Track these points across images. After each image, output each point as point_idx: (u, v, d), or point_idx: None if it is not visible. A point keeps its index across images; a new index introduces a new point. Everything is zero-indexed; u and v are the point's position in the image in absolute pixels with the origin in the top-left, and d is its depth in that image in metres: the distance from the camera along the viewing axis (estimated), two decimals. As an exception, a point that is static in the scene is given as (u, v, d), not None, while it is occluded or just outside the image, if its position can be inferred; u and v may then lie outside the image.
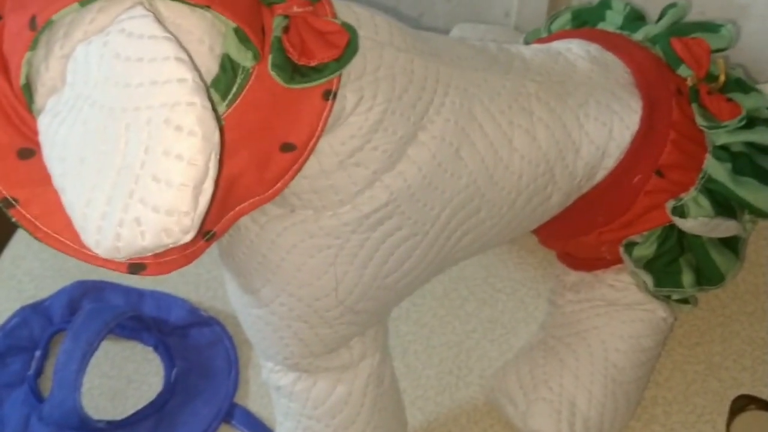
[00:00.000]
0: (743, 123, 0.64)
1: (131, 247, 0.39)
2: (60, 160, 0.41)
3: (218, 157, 0.39)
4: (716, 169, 0.63)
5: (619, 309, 0.68)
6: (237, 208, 0.49)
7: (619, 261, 0.67)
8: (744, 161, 0.64)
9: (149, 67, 0.39)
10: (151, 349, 0.78)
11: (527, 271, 0.80)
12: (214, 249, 0.81)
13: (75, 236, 0.44)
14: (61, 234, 0.44)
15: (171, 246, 0.39)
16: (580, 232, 0.67)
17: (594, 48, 0.64)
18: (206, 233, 0.48)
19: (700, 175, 0.63)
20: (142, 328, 0.78)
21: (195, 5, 0.42)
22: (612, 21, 0.70)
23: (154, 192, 0.38)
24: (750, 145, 0.65)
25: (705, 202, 0.63)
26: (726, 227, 0.64)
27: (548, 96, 0.59)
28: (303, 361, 0.62)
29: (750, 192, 0.63)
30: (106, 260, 0.44)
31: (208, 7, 0.42)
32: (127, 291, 0.81)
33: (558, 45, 0.65)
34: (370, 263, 0.57)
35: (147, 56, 0.39)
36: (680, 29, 0.68)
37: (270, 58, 0.45)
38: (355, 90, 0.50)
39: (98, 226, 0.39)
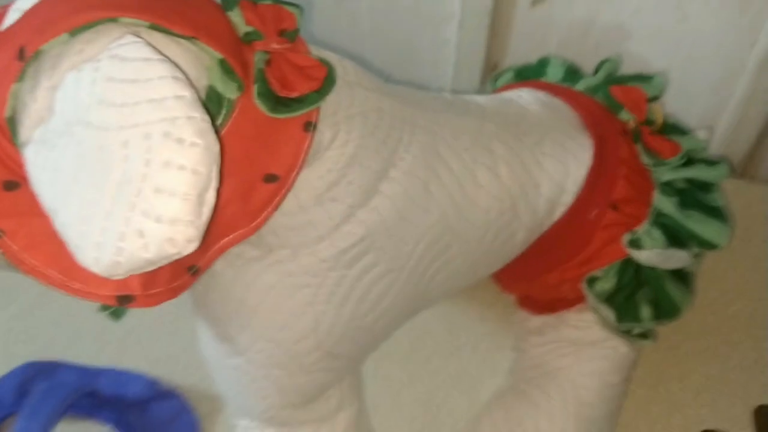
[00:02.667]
0: (684, 161, 0.69)
1: (133, 261, 0.39)
2: (51, 184, 0.41)
3: (219, 169, 0.40)
4: (664, 204, 0.67)
5: (584, 347, 0.70)
6: (221, 242, 0.49)
7: (580, 300, 0.69)
8: (688, 196, 0.68)
9: (145, 86, 0.40)
10: (110, 427, 0.75)
11: (488, 324, 0.81)
12: (169, 321, 0.80)
13: (62, 267, 0.43)
14: (47, 266, 0.44)
15: (175, 257, 0.39)
16: (543, 271, 0.69)
17: (542, 94, 0.68)
18: (191, 267, 0.48)
19: (651, 209, 0.67)
20: (99, 406, 0.75)
21: (181, 36, 0.44)
22: (553, 76, 0.75)
23: (156, 203, 0.38)
24: (690, 181, 0.69)
25: (657, 234, 0.66)
26: (678, 258, 0.67)
27: (506, 136, 0.62)
28: (281, 413, 0.61)
29: (697, 224, 0.67)
30: (93, 291, 0.44)
31: (195, 38, 0.44)
32: (82, 369, 0.77)
33: (508, 93, 0.69)
34: (348, 302, 0.57)
35: (142, 77, 0.40)
36: (616, 80, 0.73)
37: (255, 88, 0.46)
38: (330, 125, 0.52)
39: (97, 243, 0.39)
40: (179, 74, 0.41)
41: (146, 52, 0.41)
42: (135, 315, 0.80)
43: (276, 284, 0.55)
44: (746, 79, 0.92)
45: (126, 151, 0.39)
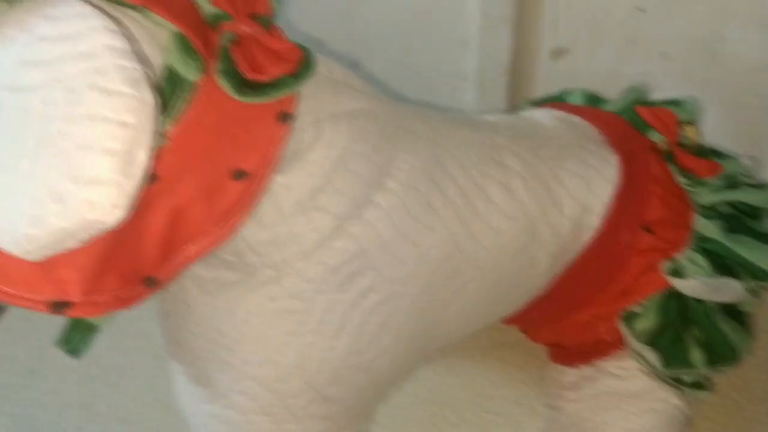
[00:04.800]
0: (725, 182, 0.61)
1: (50, 233, 0.32)
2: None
3: (154, 125, 0.34)
4: (708, 228, 0.59)
5: (628, 400, 0.60)
6: (186, 252, 0.43)
7: (619, 343, 0.60)
8: (734, 221, 0.60)
9: (75, 41, 0.35)
10: None
11: (518, 388, 0.72)
12: (162, 394, 0.72)
13: None
14: None
15: (99, 228, 0.33)
16: (573, 308, 0.60)
17: (557, 112, 0.62)
18: (147, 278, 0.41)
19: (692, 234, 0.58)
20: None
21: (131, 6, 0.39)
22: (572, 102, 0.69)
23: (77, 161, 0.32)
24: (735, 206, 0.61)
25: (702, 260, 0.57)
26: (730, 289, 0.58)
27: (520, 149, 0.56)
28: (268, 474, 0.52)
29: (748, 249, 0.58)
30: (25, 296, 0.37)
31: (144, 8, 0.39)
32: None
33: (521, 112, 0.63)
34: (342, 334, 0.49)
35: (73, 32, 0.35)
36: (643, 104, 0.66)
37: (217, 65, 0.41)
38: (312, 123, 0.46)
39: (10, 214, 0.33)
40: (114, 27, 0.35)
41: (80, 7, 0.36)
42: (123, 388, 0.73)
43: (257, 310, 0.48)
44: (789, 122, 0.85)
45: (47, 108, 0.34)
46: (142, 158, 0.33)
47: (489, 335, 0.76)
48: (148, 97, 0.34)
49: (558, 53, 0.91)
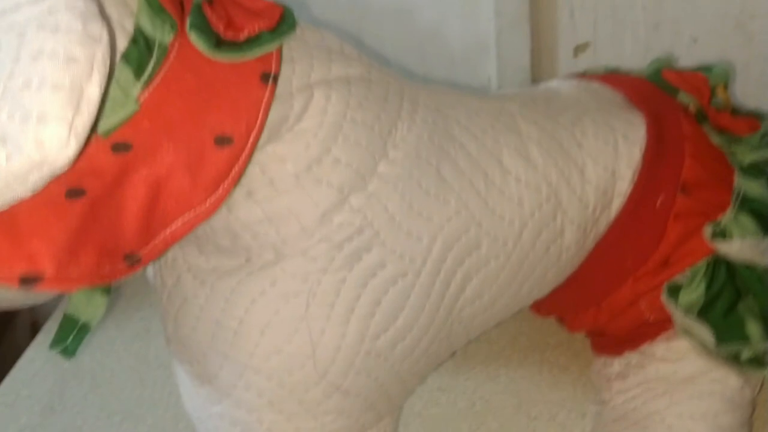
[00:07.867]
0: (766, 139, 0.56)
1: None
2: None
3: (108, 59, 0.31)
4: (751, 187, 0.54)
5: (681, 385, 0.54)
6: (172, 227, 0.40)
7: (666, 323, 0.55)
8: (780, 179, 0.55)
9: None
10: None
11: (564, 390, 0.66)
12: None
13: None
14: None
15: (49, 170, 0.30)
16: (611, 286, 0.55)
17: (576, 80, 0.58)
18: (129, 256, 0.38)
19: (734, 195, 0.54)
20: None
21: None
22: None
23: (22, 99, 0.30)
24: (780, 164, 0.56)
25: (747, 220, 0.52)
26: (782, 250, 0.53)
27: (534, 115, 0.52)
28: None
29: (798, 208, 0.53)
30: None
31: None
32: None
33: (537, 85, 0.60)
34: (353, 317, 0.45)
35: None
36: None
37: (188, 20, 0.39)
38: (302, 88, 0.43)
39: (-44, 166, 0.30)
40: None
41: None
42: (146, 421, 0.69)
43: (258, 297, 0.44)
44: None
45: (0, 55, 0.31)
46: (92, 94, 0.31)
47: (529, 337, 0.71)
48: (98, 32, 0.31)
49: (579, 49, 0.88)
